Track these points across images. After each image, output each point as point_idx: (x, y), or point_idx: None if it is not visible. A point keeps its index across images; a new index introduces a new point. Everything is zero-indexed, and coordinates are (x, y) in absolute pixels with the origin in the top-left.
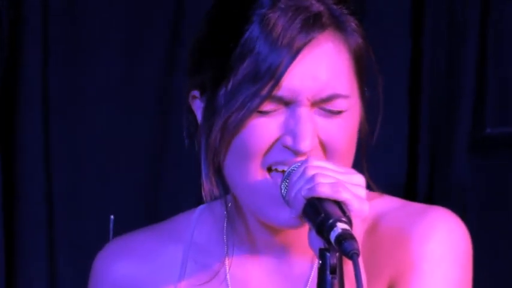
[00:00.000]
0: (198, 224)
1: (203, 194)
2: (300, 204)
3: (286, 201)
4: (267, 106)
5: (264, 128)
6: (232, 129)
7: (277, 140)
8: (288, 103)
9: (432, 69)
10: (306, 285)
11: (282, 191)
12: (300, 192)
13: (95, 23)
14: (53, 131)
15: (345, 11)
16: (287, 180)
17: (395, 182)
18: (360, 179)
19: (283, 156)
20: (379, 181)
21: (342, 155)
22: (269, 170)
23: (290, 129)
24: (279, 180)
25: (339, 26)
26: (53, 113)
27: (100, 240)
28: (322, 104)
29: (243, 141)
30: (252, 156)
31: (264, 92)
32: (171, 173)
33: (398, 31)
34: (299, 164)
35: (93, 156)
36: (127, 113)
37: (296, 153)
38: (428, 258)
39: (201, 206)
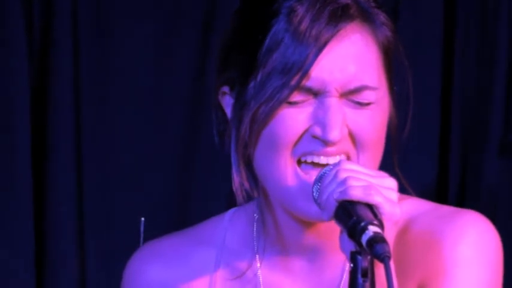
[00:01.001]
0: (229, 227)
1: (233, 187)
2: (332, 207)
3: (318, 204)
4: (295, 97)
5: (293, 119)
6: (262, 120)
7: (307, 130)
8: (316, 94)
9: (464, 73)
10: None
11: (314, 194)
12: (332, 195)
13: (124, 29)
14: (84, 136)
15: (373, 4)
16: (319, 183)
17: (427, 185)
18: (391, 183)
19: (313, 146)
20: (410, 184)
21: (370, 146)
22: (299, 162)
23: (319, 120)
24: (309, 171)
25: (367, 18)
26: (84, 118)
27: (130, 244)
28: (351, 96)
29: (272, 132)
30: (281, 147)
31: (293, 82)
32: (201, 177)
33: (431, 35)
34: (331, 167)
35: (124, 160)
36: (157, 118)
37: (325, 143)
38: (458, 261)
39: (232, 210)
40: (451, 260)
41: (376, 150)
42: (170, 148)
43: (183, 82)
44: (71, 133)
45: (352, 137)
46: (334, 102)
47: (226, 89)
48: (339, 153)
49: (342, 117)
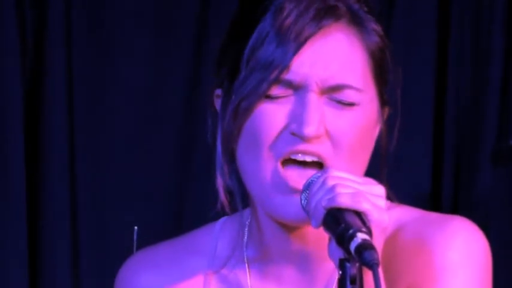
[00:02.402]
0: (220, 236)
1: (217, 185)
2: (320, 214)
3: (306, 211)
4: (275, 90)
5: (272, 115)
6: (242, 114)
7: (285, 127)
8: (296, 88)
9: (458, 80)
10: None
11: (302, 202)
12: (320, 203)
13: (118, 30)
14: (77, 140)
15: (365, 9)
16: (307, 191)
17: (420, 192)
18: (380, 190)
19: (292, 143)
20: (404, 191)
21: (348, 150)
22: (283, 163)
23: (296, 116)
24: (288, 168)
25: (355, 21)
26: (77, 121)
27: (124, 251)
28: (332, 93)
29: (252, 127)
30: (260, 142)
31: (272, 76)
32: (195, 183)
33: (424, 40)
34: (319, 175)
35: (117, 166)
36: (151, 123)
37: (302, 138)
38: (447, 267)
39: (223, 218)
40: (440, 266)
41: (355, 155)
42: (165, 153)
43: (180, 85)
44: (64, 136)
45: (330, 138)
46: (313, 98)
47: (219, 91)
48: (316, 153)
49: (319, 114)
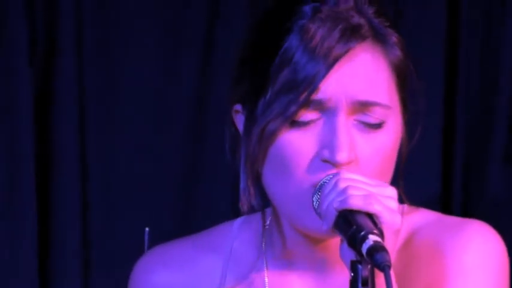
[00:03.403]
0: (238, 236)
1: (240, 205)
2: (332, 216)
3: (318, 213)
4: (303, 116)
5: (301, 143)
6: (268, 138)
7: (316, 155)
8: (325, 109)
9: (468, 81)
10: None
11: (314, 204)
12: (332, 205)
13: (130, 30)
14: (87, 141)
15: (386, 24)
16: (319, 193)
17: (431, 194)
18: (392, 192)
19: (323, 170)
20: (414, 193)
21: (378, 172)
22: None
23: (327, 142)
24: None
25: (379, 38)
26: (87, 123)
27: (135, 252)
28: (360, 113)
29: (280, 154)
30: (291, 170)
31: (301, 98)
32: (205, 184)
33: (433, 42)
34: (331, 177)
35: (128, 167)
36: (162, 124)
37: (335, 165)
38: (463, 271)
39: (241, 218)
40: (456, 269)
41: (383, 174)
42: (176, 154)
43: (190, 86)
44: (74, 137)
45: (359, 163)
46: (342, 121)
47: (238, 107)
48: None
49: (350, 139)
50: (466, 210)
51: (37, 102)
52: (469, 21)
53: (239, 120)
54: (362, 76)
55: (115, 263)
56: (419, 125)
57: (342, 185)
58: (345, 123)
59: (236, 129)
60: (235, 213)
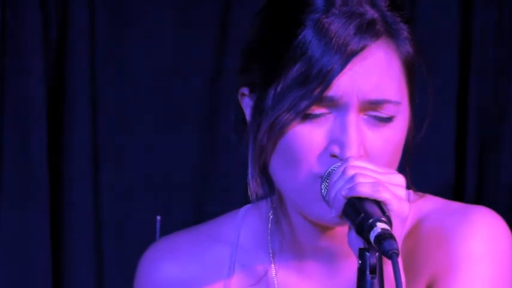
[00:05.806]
0: (243, 225)
1: (249, 192)
2: (340, 204)
3: (326, 201)
4: (315, 110)
5: (311, 136)
6: (279, 131)
7: (325, 149)
8: (336, 105)
9: (480, 71)
10: None
11: (322, 191)
12: (340, 192)
13: (143, 24)
14: (101, 131)
15: (399, 19)
16: (327, 181)
17: (444, 185)
18: (400, 179)
19: (332, 164)
20: (427, 182)
21: (386, 164)
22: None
23: (337, 138)
24: None
25: (392, 34)
26: (101, 113)
27: (146, 241)
28: (371, 110)
29: (289, 146)
30: (300, 163)
31: (315, 93)
32: (218, 173)
33: (447, 36)
34: (339, 164)
35: (141, 156)
36: (175, 114)
37: (343, 160)
38: (468, 257)
39: (246, 207)
40: (462, 255)
41: (391, 165)
42: (188, 143)
43: (204, 76)
44: (87, 131)
45: (369, 157)
46: (353, 118)
47: (245, 90)
48: None
49: (359, 135)
50: (479, 200)
51: (50, 102)
52: (482, 8)
53: (246, 104)
54: (375, 75)
55: (127, 251)
56: (428, 115)
57: (350, 172)
58: (355, 120)
59: (241, 111)
60: (247, 202)
